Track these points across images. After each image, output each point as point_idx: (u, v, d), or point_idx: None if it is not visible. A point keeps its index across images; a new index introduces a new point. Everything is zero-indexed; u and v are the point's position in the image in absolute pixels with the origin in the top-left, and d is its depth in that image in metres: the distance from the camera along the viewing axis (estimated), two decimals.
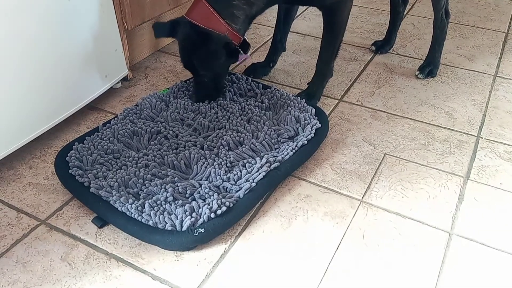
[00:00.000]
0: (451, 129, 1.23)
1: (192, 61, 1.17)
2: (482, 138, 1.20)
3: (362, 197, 1.02)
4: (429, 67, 1.44)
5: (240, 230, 0.94)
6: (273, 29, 1.44)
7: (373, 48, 1.59)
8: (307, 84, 1.35)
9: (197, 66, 1.18)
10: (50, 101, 1.13)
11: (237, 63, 1.27)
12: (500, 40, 1.68)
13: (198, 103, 1.23)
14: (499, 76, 1.46)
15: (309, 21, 1.78)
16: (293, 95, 1.26)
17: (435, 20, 1.40)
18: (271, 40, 1.46)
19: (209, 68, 1.18)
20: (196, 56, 1.16)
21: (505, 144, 1.18)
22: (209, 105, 1.23)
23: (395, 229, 0.95)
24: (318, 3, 1.21)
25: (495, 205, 1.00)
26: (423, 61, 1.48)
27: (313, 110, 1.21)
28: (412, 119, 1.27)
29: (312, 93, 1.30)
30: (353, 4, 1.26)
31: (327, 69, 1.30)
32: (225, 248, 0.90)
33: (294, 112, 1.19)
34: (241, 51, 1.17)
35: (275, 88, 1.29)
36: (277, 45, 1.44)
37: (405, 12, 1.49)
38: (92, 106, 1.29)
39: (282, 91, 1.28)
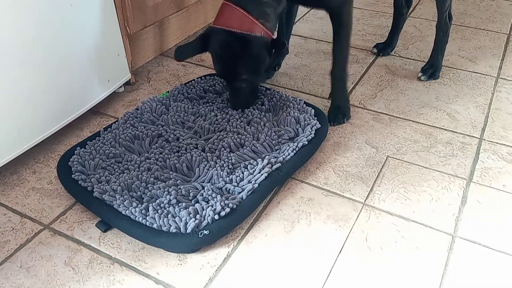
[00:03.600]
0: (453, 131, 1.23)
1: (232, 69, 1.12)
2: (484, 140, 1.20)
3: (365, 200, 1.02)
4: (431, 69, 1.44)
5: (243, 233, 0.94)
6: (275, 33, 1.44)
7: (375, 50, 1.59)
8: (329, 98, 1.31)
9: (244, 73, 1.12)
10: (53, 106, 1.13)
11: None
12: (502, 41, 1.68)
13: (198, 106, 1.24)
14: (501, 78, 1.46)
15: (310, 24, 1.79)
16: (298, 99, 1.26)
17: (439, 23, 1.39)
18: None
19: (256, 72, 1.13)
20: (242, 64, 1.10)
21: (508, 146, 1.18)
22: (208, 107, 1.23)
23: (398, 232, 0.95)
24: (327, 5, 1.19)
25: (498, 207, 1.00)
26: (425, 63, 1.48)
27: (313, 111, 1.21)
28: (415, 122, 1.27)
29: (343, 104, 1.26)
30: (355, 6, 1.26)
31: (345, 73, 1.26)
32: (228, 252, 0.91)
33: (293, 113, 1.19)
34: (274, 49, 1.13)
35: (274, 90, 1.29)
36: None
37: (407, 15, 1.50)
38: (95, 111, 1.30)
39: (281, 92, 1.28)
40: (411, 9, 1.90)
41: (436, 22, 1.41)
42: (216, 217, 0.91)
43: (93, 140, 1.12)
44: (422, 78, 1.44)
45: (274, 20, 1.11)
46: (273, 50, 1.14)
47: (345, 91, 1.28)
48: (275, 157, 1.06)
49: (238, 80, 1.14)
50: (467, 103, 1.35)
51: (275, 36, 1.16)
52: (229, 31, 1.06)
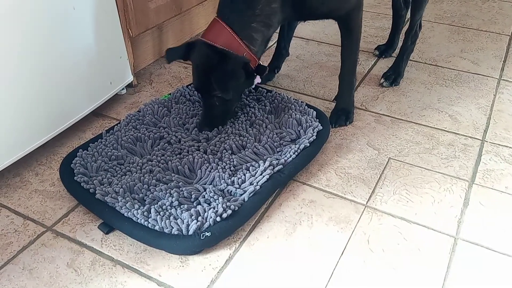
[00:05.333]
0: (455, 133, 1.23)
1: (206, 82, 1.10)
2: (487, 141, 1.20)
3: (367, 202, 1.02)
4: (393, 75, 1.42)
5: (244, 235, 0.95)
6: (277, 34, 1.44)
7: (377, 52, 1.59)
8: (334, 100, 1.32)
9: (214, 87, 1.09)
10: (56, 108, 1.14)
11: (252, 86, 1.22)
12: (504, 43, 1.67)
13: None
14: (503, 79, 1.46)
15: (312, 26, 1.79)
16: (299, 101, 1.26)
17: (409, 30, 1.40)
18: (275, 45, 1.46)
19: (225, 90, 1.10)
20: (213, 76, 1.08)
21: (510, 147, 1.18)
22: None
23: (400, 234, 0.94)
24: (335, 16, 1.18)
25: (500, 209, 1.00)
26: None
27: (314, 112, 1.21)
28: (416, 123, 1.27)
29: (347, 107, 1.26)
30: None
31: (353, 76, 1.26)
32: (230, 254, 0.91)
33: (295, 115, 1.19)
34: (256, 75, 1.13)
35: (275, 92, 1.29)
36: (282, 51, 1.44)
37: (407, 16, 1.50)
38: (97, 113, 1.30)
39: (283, 94, 1.28)
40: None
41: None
42: (218, 219, 0.91)
43: (96, 142, 1.13)
44: (384, 84, 1.42)
45: (261, 45, 1.11)
46: (255, 75, 1.13)
47: (352, 95, 1.28)
48: (277, 159, 1.06)
49: (209, 94, 1.12)
50: (469, 104, 1.34)
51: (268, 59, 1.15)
52: (211, 45, 1.07)
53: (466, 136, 1.22)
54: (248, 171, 1.03)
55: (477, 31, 1.76)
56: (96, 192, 0.98)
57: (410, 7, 1.41)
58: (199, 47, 1.10)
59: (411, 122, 1.27)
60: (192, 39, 1.70)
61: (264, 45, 1.13)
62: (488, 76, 1.48)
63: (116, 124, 1.19)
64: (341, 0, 1.14)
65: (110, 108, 1.34)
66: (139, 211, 0.93)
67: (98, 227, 0.96)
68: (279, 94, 1.28)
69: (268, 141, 1.12)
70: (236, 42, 1.07)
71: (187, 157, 1.07)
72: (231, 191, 0.99)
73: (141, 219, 0.91)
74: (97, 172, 1.04)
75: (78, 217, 0.99)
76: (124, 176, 1.03)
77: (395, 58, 1.46)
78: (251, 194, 0.97)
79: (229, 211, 0.92)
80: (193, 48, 1.11)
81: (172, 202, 0.95)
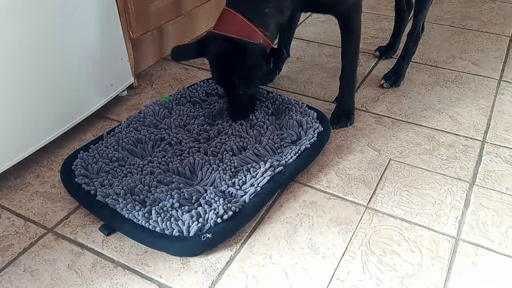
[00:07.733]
0: (456, 134, 1.23)
1: (230, 76, 1.10)
2: (487, 142, 1.20)
3: (368, 203, 1.02)
4: (394, 77, 1.42)
5: (245, 237, 0.95)
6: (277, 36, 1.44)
7: (377, 53, 1.59)
8: (335, 101, 1.32)
9: (239, 80, 1.10)
10: (57, 110, 1.14)
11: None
12: (505, 44, 1.68)
13: (200, 110, 1.24)
14: (503, 80, 1.46)
15: (313, 27, 1.79)
16: (300, 102, 1.26)
17: (411, 33, 1.39)
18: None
19: (251, 80, 1.10)
20: (236, 74, 1.08)
21: (510, 148, 1.18)
22: (208, 111, 1.23)
23: (401, 235, 0.94)
24: (336, 11, 1.18)
25: (501, 210, 1.00)
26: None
27: (315, 114, 1.21)
28: (417, 124, 1.27)
29: (348, 108, 1.26)
30: None
31: (354, 77, 1.26)
32: (231, 255, 0.91)
33: (296, 116, 1.19)
34: (273, 58, 1.12)
35: (276, 93, 1.30)
36: None
37: (409, 18, 1.50)
38: (99, 115, 1.31)
39: (284, 95, 1.28)
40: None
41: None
42: (219, 220, 0.91)
43: (96, 144, 1.13)
44: (384, 85, 1.42)
45: (274, 31, 1.10)
46: (271, 59, 1.12)
47: (352, 96, 1.28)
48: (278, 160, 1.06)
49: (233, 88, 1.13)
50: (469, 105, 1.34)
51: (275, 45, 1.14)
52: (228, 37, 1.05)
53: (466, 137, 1.22)
54: (249, 173, 1.03)
55: (477, 32, 1.76)
56: (97, 193, 0.98)
57: (413, 8, 1.41)
58: (215, 42, 1.07)
59: (412, 123, 1.27)
60: (193, 40, 1.70)
61: (277, 30, 1.11)
62: (488, 77, 1.48)
63: (117, 126, 1.20)
64: None
65: (111, 109, 1.34)
66: (140, 212, 0.93)
67: (99, 229, 0.96)
68: (279, 95, 1.29)
69: (268, 142, 1.12)
70: (252, 29, 1.04)
71: (188, 158, 1.07)
72: (232, 192, 0.99)
73: (142, 221, 0.92)
74: (98, 174, 1.04)
75: (79, 219, 0.99)
76: (125, 178, 1.03)
77: (396, 60, 1.46)
78: (252, 196, 0.97)
79: (230, 213, 0.92)
80: (207, 44, 1.09)
81: (173, 203, 0.95)
